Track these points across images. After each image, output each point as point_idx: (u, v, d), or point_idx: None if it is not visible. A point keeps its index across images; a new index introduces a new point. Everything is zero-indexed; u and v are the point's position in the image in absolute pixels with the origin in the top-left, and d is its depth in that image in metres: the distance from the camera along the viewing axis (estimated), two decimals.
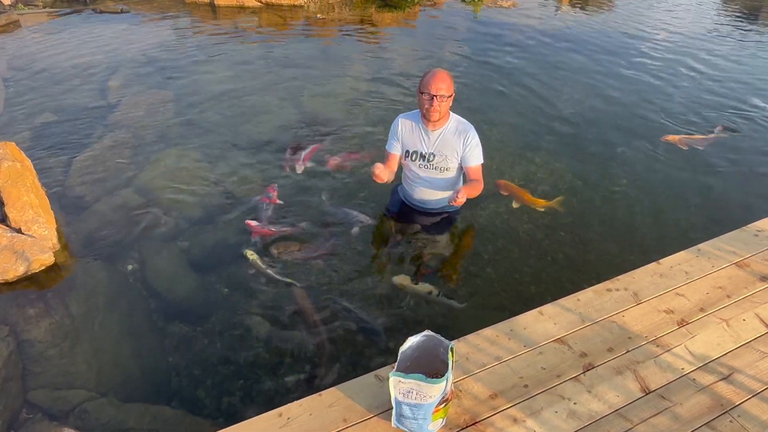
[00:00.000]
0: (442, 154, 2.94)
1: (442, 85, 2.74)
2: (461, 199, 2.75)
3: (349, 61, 6.16)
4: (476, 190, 2.98)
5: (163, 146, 4.16)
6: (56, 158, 3.97)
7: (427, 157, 2.98)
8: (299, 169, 3.72)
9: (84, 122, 4.53)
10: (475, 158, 2.95)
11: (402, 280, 2.87)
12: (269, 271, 2.89)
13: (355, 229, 3.19)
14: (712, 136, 4.60)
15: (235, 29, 7.24)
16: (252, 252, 2.98)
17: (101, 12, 7.81)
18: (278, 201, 3.41)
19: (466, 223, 3.34)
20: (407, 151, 3.03)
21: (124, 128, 4.42)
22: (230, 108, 4.85)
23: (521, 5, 9.17)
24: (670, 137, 4.54)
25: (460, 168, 3.03)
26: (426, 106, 2.79)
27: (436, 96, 2.73)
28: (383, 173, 2.81)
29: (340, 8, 8.41)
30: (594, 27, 8.03)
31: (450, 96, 2.79)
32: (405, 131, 3.01)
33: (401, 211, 3.30)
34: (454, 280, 2.92)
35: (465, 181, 3.08)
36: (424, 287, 2.84)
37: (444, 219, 3.21)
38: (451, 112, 2.95)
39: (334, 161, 3.86)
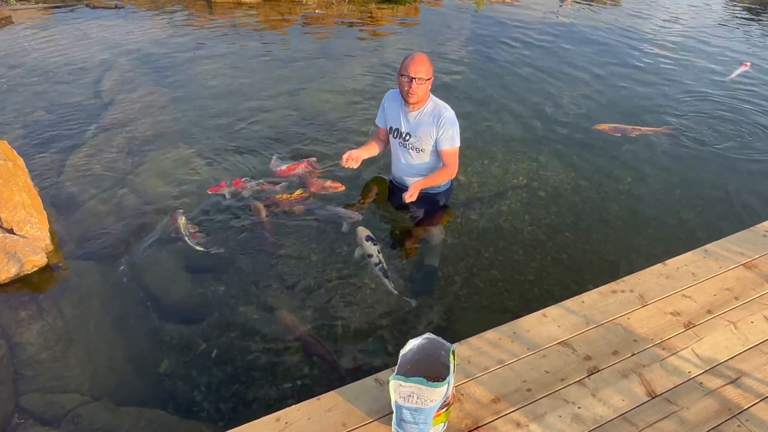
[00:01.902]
0: (417, 136, 3.05)
1: (421, 68, 2.85)
2: (409, 197, 2.94)
3: (349, 58, 6.16)
4: (441, 176, 3.12)
5: (159, 145, 4.15)
6: (49, 157, 3.96)
7: (404, 135, 3.10)
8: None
9: (78, 120, 4.52)
10: (448, 142, 3.02)
11: (362, 232, 3.00)
12: (186, 239, 3.05)
13: (345, 226, 3.20)
14: (645, 128, 4.61)
15: (232, 25, 7.24)
16: (182, 216, 3.18)
17: (95, 7, 7.81)
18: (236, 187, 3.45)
19: (466, 221, 3.34)
20: (390, 127, 3.18)
21: (119, 126, 4.41)
22: (227, 105, 4.84)
23: (524, 0, 9.17)
24: (601, 126, 4.59)
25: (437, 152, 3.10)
26: (405, 88, 2.91)
27: (414, 78, 2.85)
28: (353, 158, 3.06)
29: (340, 4, 8.40)
30: (598, 22, 8.02)
31: (428, 79, 2.91)
32: (390, 106, 3.17)
33: (391, 192, 3.42)
34: (455, 280, 2.91)
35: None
36: (369, 249, 2.89)
37: (431, 199, 3.27)
38: (431, 95, 3.05)
39: (316, 184, 3.54)
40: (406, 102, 3.00)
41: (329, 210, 3.33)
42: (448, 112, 3.00)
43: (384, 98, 3.23)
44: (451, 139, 3.00)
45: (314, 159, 3.84)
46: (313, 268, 2.95)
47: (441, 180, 3.15)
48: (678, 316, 2.24)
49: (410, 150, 3.12)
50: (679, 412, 1.83)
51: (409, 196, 2.97)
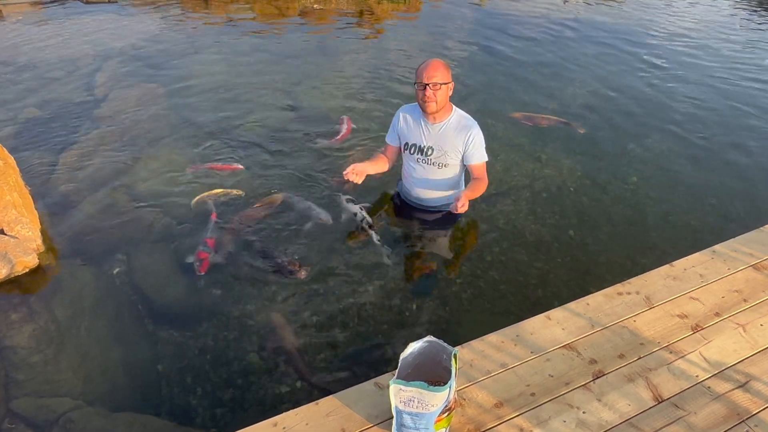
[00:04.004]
0: (441, 149, 2.95)
1: (435, 74, 2.74)
2: (462, 207, 2.72)
3: (348, 54, 6.16)
4: (479, 190, 3.00)
5: (153, 142, 4.15)
6: (41, 155, 3.96)
7: (425, 150, 2.98)
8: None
9: (70, 118, 4.52)
10: (478, 156, 2.96)
11: (343, 197, 3.35)
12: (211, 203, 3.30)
13: (309, 224, 3.21)
14: (554, 118, 4.68)
15: (228, 20, 7.24)
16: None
17: (88, 2, 7.81)
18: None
19: (468, 222, 3.34)
20: (406, 144, 3.05)
21: (112, 124, 4.42)
22: (223, 103, 4.84)
23: None
24: (515, 114, 4.67)
25: (462, 167, 3.04)
26: (421, 97, 2.81)
27: (429, 85, 2.74)
28: (357, 171, 2.91)
29: None
30: (604, 18, 8.02)
31: (445, 84, 2.79)
32: (405, 123, 3.03)
33: (399, 208, 3.32)
34: (456, 282, 2.92)
35: (467, 180, 3.10)
36: (352, 208, 3.26)
37: (443, 217, 3.21)
38: (454, 107, 2.96)
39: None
40: (425, 112, 2.88)
41: (305, 205, 3.36)
42: (476, 125, 2.93)
43: (396, 115, 3.09)
44: (481, 153, 2.95)
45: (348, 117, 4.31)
46: (312, 269, 2.95)
47: (480, 192, 3.02)
48: (685, 318, 2.24)
49: (432, 165, 2.99)
50: (686, 417, 1.84)
51: (461, 206, 2.75)
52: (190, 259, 2.91)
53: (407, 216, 3.25)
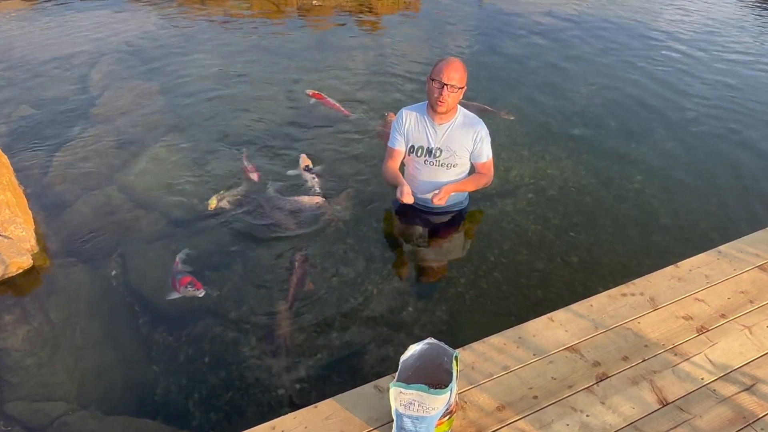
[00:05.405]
0: (450, 150, 2.94)
1: (455, 75, 2.73)
2: (439, 200, 2.86)
3: (347, 51, 6.16)
4: (473, 183, 3.03)
5: (149, 141, 4.16)
6: (35, 154, 3.97)
7: (433, 152, 2.97)
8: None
9: (64, 116, 4.52)
10: (485, 154, 2.99)
11: (304, 161, 3.68)
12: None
13: (314, 216, 3.31)
14: (483, 106, 4.74)
15: (226, 16, 7.24)
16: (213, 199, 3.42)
17: None
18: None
19: (470, 222, 3.34)
20: (412, 146, 3.02)
21: (108, 122, 4.42)
22: (220, 101, 4.85)
23: None
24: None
25: (469, 165, 3.04)
26: (435, 95, 2.78)
27: (447, 85, 2.72)
28: (409, 192, 2.84)
29: None
30: (608, 15, 8.02)
31: (461, 88, 2.79)
32: (410, 125, 3.00)
33: (402, 210, 3.31)
34: (458, 283, 2.92)
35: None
36: (306, 176, 3.58)
37: (449, 219, 3.21)
38: (459, 106, 2.96)
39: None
40: (434, 111, 2.85)
41: (293, 200, 3.42)
42: (481, 122, 2.95)
43: (398, 118, 3.02)
44: (487, 151, 2.98)
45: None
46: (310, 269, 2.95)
47: (474, 186, 3.05)
48: (690, 320, 2.24)
49: (440, 166, 2.98)
50: (691, 421, 1.84)
51: (439, 199, 2.84)
52: (175, 294, 2.75)
53: (410, 218, 3.24)
